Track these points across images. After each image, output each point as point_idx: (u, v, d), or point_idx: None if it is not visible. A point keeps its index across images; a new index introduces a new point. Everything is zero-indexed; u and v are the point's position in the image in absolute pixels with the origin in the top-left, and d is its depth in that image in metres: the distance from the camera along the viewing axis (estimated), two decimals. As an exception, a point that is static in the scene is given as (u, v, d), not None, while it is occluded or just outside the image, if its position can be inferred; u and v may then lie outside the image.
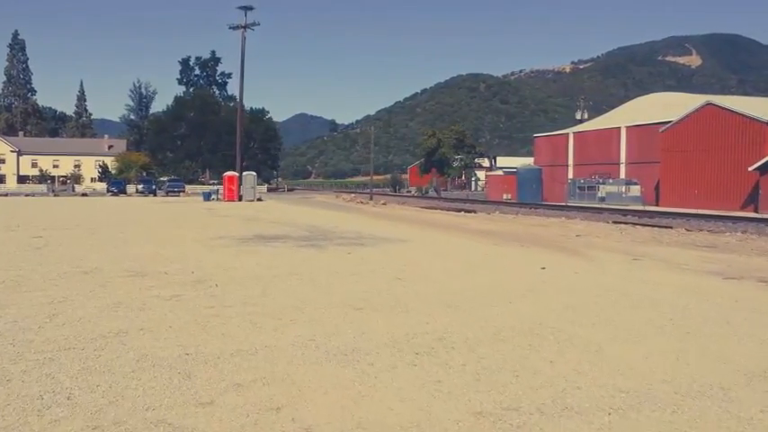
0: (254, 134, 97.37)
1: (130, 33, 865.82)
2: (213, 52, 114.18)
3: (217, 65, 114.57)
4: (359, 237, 17.79)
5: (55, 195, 61.45)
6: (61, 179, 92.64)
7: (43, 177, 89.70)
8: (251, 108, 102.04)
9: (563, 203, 51.65)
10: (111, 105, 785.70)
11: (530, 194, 57.84)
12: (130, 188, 68.96)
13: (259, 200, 46.58)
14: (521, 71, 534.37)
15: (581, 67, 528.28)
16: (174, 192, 64.00)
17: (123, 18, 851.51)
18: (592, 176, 52.08)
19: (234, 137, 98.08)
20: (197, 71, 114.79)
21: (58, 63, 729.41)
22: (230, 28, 50.36)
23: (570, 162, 58.01)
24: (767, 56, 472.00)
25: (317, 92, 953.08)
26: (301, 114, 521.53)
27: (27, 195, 60.94)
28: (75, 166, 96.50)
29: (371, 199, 48.67)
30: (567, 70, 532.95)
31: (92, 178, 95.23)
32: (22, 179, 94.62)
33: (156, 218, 26.83)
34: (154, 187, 65.33)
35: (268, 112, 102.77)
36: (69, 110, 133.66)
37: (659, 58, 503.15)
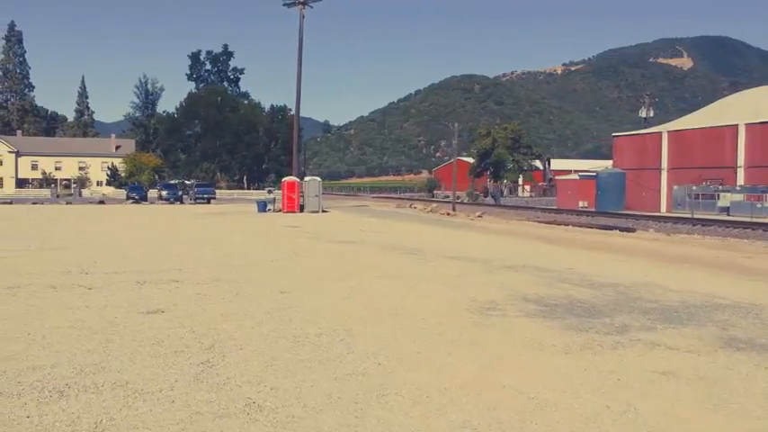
0: (276, 134, 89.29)
1: (129, 26, 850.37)
2: (226, 46, 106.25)
3: (229, 59, 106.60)
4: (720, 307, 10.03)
5: (67, 203, 53.09)
6: (64, 183, 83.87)
7: (46, 181, 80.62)
8: (272, 105, 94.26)
9: (657, 213, 44.61)
10: (102, 106, 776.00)
11: (612, 202, 50.66)
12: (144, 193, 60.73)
13: (324, 211, 38.67)
14: (512, 72, 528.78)
15: (572, 68, 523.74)
16: (204, 199, 55.74)
17: (121, 8, 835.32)
18: (705, 182, 44.64)
19: (253, 136, 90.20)
20: (208, 66, 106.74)
21: (47, 60, 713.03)
22: (284, 5, 42.26)
23: (664, 165, 50.49)
24: (757, 58, 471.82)
25: (308, 92, 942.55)
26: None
27: (35, 203, 52.56)
28: (80, 169, 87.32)
29: (454, 209, 40.87)
30: (558, 72, 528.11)
31: (98, 182, 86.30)
32: (21, 183, 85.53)
33: (255, 245, 18.91)
34: (180, 193, 57.02)
35: (290, 109, 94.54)
36: (61, 109, 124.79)
37: (650, 60, 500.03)
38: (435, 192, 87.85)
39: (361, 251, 17.37)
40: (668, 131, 51.10)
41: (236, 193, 79.73)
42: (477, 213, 36.11)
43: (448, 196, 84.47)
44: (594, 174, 55.51)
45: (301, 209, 38.37)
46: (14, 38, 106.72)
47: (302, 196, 38.72)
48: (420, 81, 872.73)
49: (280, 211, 38.96)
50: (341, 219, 32.75)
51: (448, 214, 37.75)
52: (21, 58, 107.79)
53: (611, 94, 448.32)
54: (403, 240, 20.82)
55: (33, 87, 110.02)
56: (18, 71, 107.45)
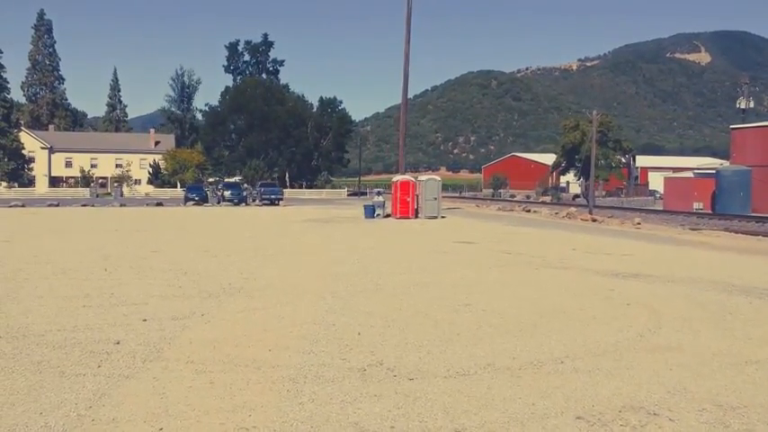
0: (326, 128, 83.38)
1: (157, 24, 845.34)
2: (266, 35, 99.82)
3: (269, 50, 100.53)
4: None
5: (121, 205, 47.25)
6: (100, 181, 78.17)
7: (85, 179, 74.75)
8: (321, 98, 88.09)
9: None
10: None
11: (736, 204, 44.68)
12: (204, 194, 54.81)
13: (443, 217, 32.63)
14: (527, 68, 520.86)
15: (588, 64, 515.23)
16: (270, 200, 49.84)
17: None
18: None
19: (302, 131, 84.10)
20: (246, 57, 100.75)
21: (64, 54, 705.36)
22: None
23: (804, 162, 44.30)
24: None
25: (324, 88, 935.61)
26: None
27: (84, 205, 46.80)
28: (118, 166, 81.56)
29: (591, 213, 34.72)
30: (574, 68, 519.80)
31: (136, 180, 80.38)
32: (54, 181, 79.85)
33: (527, 289, 12.80)
34: (245, 194, 51.11)
35: (341, 101, 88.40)
36: (80, 106, 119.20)
37: (667, 55, 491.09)
38: (500, 190, 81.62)
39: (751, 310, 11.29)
40: (809, 123, 44.84)
41: (286, 191, 73.72)
42: (637, 221, 30.01)
43: (514, 195, 78.51)
44: (713, 171, 49.39)
45: (416, 214, 32.40)
46: (44, 27, 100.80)
47: (417, 199, 32.74)
48: (437, 77, 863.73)
49: (389, 216, 33.04)
50: (490, 229, 26.59)
51: (594, 220, 31.64)
52: (50, 49, 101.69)
53: (629, 89, 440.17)
54: (680, 270, 14.81)
55: (63, 80, 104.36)
56: (48, 62, 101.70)
